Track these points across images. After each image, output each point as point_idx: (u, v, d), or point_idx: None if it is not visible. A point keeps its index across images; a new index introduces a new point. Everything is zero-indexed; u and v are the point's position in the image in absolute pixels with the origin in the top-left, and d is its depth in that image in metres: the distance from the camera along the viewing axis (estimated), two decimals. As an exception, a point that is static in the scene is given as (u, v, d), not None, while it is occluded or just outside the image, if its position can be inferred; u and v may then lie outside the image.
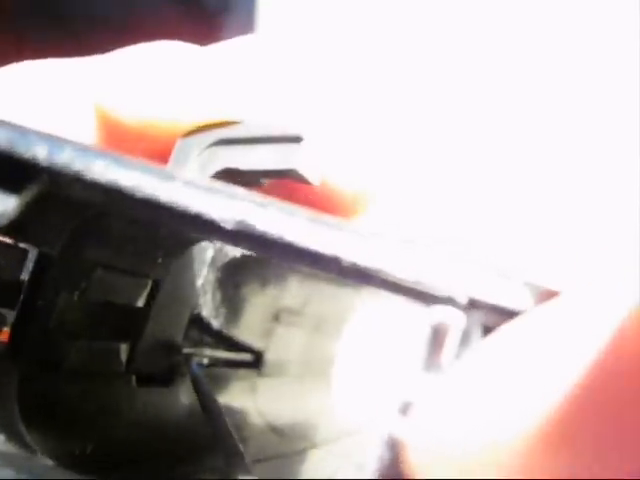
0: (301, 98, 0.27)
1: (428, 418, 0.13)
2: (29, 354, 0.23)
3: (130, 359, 0.26)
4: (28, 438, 0.21)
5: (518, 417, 0.12)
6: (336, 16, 0.82)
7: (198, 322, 0.28)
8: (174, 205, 0.17)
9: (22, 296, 0.23)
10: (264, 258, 0.27)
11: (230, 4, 1.10)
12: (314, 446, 0.25)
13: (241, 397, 0.29)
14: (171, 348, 0.28)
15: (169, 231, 0.24)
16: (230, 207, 0.17)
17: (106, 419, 0.25)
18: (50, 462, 0.21)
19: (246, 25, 0.96)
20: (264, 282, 0.30)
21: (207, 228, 0.17)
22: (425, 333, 0.15)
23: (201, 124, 0.24)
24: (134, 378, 0.27)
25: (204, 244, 0.27)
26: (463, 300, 0.15)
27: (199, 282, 0.28)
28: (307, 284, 0.32)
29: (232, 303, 0.29)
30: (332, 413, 0.33)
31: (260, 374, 0.31)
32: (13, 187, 0.17)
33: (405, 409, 0.15)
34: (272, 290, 0.31)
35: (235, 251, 0.27)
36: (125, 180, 0.17)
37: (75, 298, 0.24)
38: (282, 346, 0.32)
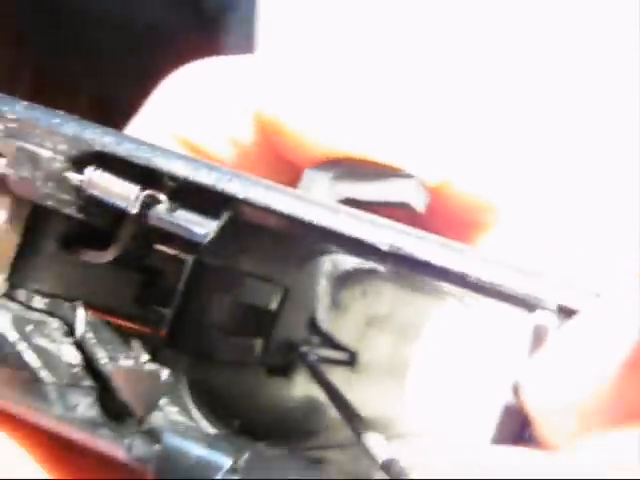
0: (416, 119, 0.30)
1: (543, 376, 0.19)
2: (186, 346, 0.27)
3: (263, 353, 0.31)
4: (194, 412, 0.26)
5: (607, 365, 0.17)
6: (336, 16, 0.82)
7: (312, 324, 0.33)
8: (342, 232, 0.22)
9: (179, 297, 0.27)
10: (367, 272, 0.32)
11: (230, 4, 1.10)
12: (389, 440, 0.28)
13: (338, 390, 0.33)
14: (292, 346, 0.33)
15: (301, 248, 0.29)
16: (385, 234, 0.21)
17: (245, 402, 0.30)
18: (211, 430, 0.25)
19: (246, 25, 0.96)
20: (363, 292, 0.36)
21: (366, 250, 0.22)
22: (528, 333, 0.20)
23: (333, 157, 0.27)
24: (265, 370, 0.32)
25: (324, 258, 0.32)
26: (554, 307, 0.20)
27: (318, 290, 0.33)
28: (396, 295, 0.37)
29: (337, 309, 0.35)
30: (409, 412, 0.37)
31: (354, 372, 0.36)
32: (209, 213, 0.22)
33: (516, 389, 0.20)
34: (368, 299, 0.36)
35: (345, 265, 0.33)
36: (303, 213, 0.22)
37: (226, 301, 0.29)
38: (372, 348, 0.37)
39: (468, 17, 0.77)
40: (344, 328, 0.35)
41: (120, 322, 0.26)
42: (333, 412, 0.31)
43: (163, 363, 0.25)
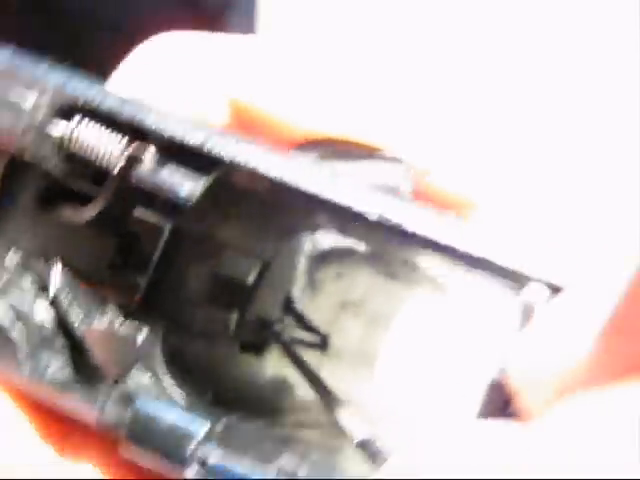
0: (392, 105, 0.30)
1: (524, 353, 0.19)
2: (160, 314, 0.27)
3: (237, 328, 0.30)
4: (167, 380, 0.25)
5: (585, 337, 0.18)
6: (337, 16, 0.82)
7: (287, 303, 0.32)
8: (331, 200, 0.21)
9: (155, 264, 0.26)
10: (343, 253, 0.31)
11: (230, 4, 1.10)
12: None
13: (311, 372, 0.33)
14: (265, 323, 0.32)
15: (283, 222, 0.28)
16: (376, 203, 0.21)
17: (218, 374, 0.29)
18: (183, 399, 0.24)
19: (246, 25, 0.96)
20: (339, 274, 0.35)
21: (355, 219, 0.21)
22: (516, 309, 0.21)
23: (313, 138, 0.26)
24: (238, 344, 0.31)
25: (304, 236, 0.31)
26: (544, 283, 0.21)
27: (296, 268, 0.32)
28: (371, 280, 0.36)
29: (312, 289, 0.34)
30: (382, 399, 0.37)
31: (324, 355, 0.35)
32: (197, 177, 0.21)
33: (506, 362, 0.20)
34: (343, 282, 0.35)
35: (323, 245, 0.32)
36: (290, 176, 0.21)
37: (202, 271, 0.28)
38: (344, 333, 0.37)
39: (463, 14, 0.77)
40: (318, 310, 0.35)
41: (94, 285, 0.25)
42: (302, 392, 0.30)
43: (136, 329, 0.25)
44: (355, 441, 0.25)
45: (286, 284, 0.33)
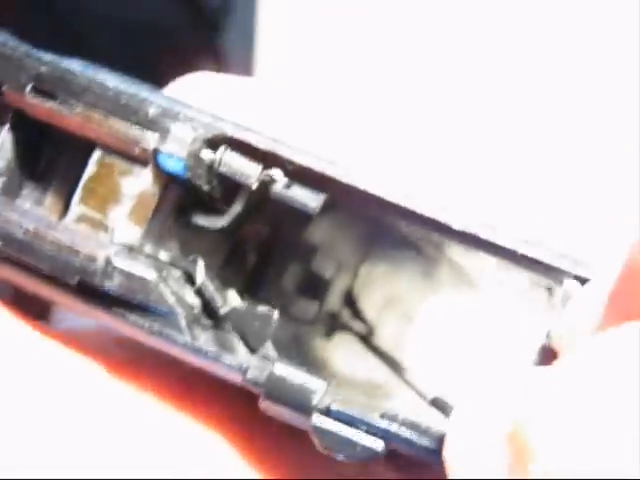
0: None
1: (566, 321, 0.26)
2: (265, 301, 0.33)
3: (317, 316, 0.37)
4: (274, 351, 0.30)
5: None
6: (336, 15, 0.82)
7: (348, 296, 0.39)
8: (421, 213, 0.27)
9: (256, 261, 0.33)
10: (394, 254, 0.38)
11: (230, 4, 1.10)
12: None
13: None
14: (334, 315, 0.38)
15: (359, 229, 0.35)
16: (455, 218, 0.27)
17: (305, 353, 0.35)
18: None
19: (246, 25, 0.96)
20: (388, 273, 0.41)
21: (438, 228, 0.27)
22: (555, 301, 0.27)
23: None
24: (317, 328, 0.37)
25: (369, 242, 0.37)
26: (574, 277, 0.26)
27: (360, 268, 0.38)
28: (412, 279, 0.42)
29: (368, 286, 0.40)
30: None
31: (370, 345, 0.41)
32: (317, 191, 0.28)
33: (542, 354, 0.26)
34: (390, 280, 0.41)
35: (381, 249, 0.38)
36: (390, 196, 0.27)
37: (294, 267, 0.35)
38: (384, 325, 0.42)
39: (463, 17, 0.78)
40: (369, 303, 0.40)
41: (221, 278, 0.31)
42: (364, 376, 0.37)
43: (271, 309, 0.31)
44: (428, 399, 0.30)
45: (350, 281, 0.38)
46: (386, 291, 0.42)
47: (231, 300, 0.31)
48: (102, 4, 1.05)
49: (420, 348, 0.43)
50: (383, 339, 0.43)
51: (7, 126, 0.29)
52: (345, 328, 0.39)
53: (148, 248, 0.30)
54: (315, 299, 0.37)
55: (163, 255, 0.30)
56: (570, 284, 0.27)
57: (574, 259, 0.27)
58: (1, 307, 0.29)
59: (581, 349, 0.22)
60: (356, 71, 0.81)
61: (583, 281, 0.27)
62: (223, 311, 0.30)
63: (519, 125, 0.76)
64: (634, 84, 0.72)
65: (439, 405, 0.30)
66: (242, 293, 0.33)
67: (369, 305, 0.41)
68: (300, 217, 0.29)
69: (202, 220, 0.30)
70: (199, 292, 0.30)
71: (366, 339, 0.42)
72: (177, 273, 0.30)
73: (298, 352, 0.34)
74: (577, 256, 0.27)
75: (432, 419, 0.29)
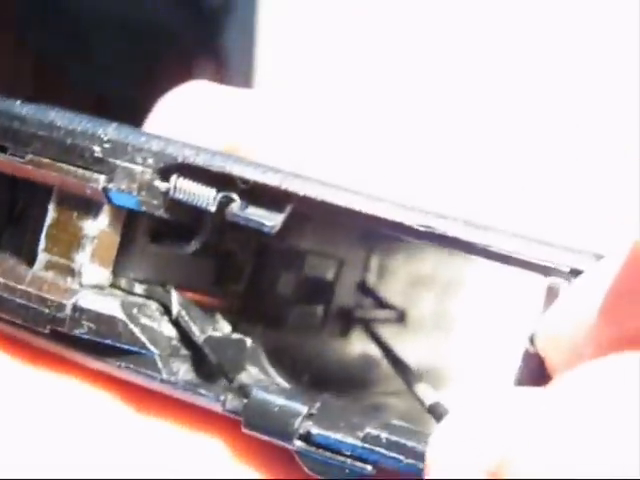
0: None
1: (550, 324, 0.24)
2: (258, 316, 0.33)
3: (324, 319, 0.37)
4: (270, 371, 0.30)
5: None
6: (336, 15, 0.82)
7: (363, 289, 0.39)
8: (385, 217, 0.26)
9: (249, 275, 0.33)
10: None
11: (230, 4, 1.10)
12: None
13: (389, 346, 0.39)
14: (347, 311, 0.38)
15: (352, 228, 0.34)
16: (420, 218, 0.26)
17: (311, 360, 0.36)
18: (286, 385, 0.30)
19: (246, 25, 0.96)
20: (408, 256, 0.41)
21: (405, 231, 0.26)
22: (542, 293, 0.25)
23: None
24: (328, 332, 0.37)
25: (372, 233, 0.36)
26: (566, 270, 0.25)
27: (368, 260, 0.39)
28: (435, 257, 0.42)
29: (384, 273, 0.40)
30: (451, 362, 0.44)
31: (402, 328, 0.41)
32: (276, 208, 0.27)
33: (526, 360, 0.25)
34: (411, 263, 0.42)
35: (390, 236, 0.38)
36: (353, 204, 0.26)
37: (289, 276, 0.35)
38: (417, 305, 0.43)
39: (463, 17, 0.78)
40: (392, 290, 0.41)
41: (203, 300, 0.31)
42: (385, 366, 0.37)
43: (242, 332, 0.31)
44: (426, 406, 0.29)
45: (361, 274, 0.39)
46: (411, 274, 0.42)
47: (215, 323, 0.31)
48: (102, 4, 1.05)
49: (463, 317, 0.45)
50: (420, 318, 0.44)
51: None
52: (363, 322, 0.39)
53: (122, 282, 0.29)
54: (318, 303, 0.37)
55: (138, 288, 0.30)
56: (555, 280, 0.26)
57: (561, 251, 0.26)
58: None
59: (576, 377, 0.20)
60: (356, 71, 0.81)
61: (573, 274, 0.25)
62: (200, 340, 0.29)
63: (519, 125, 0.76)
64: (634, 84, 0.72)
65: (437, 413, 0.30)
66: (235, 313, 0.32)
67: (392, 292, 0.41)
68: (285, 226, 0.28)
69: (174, 247, 0.30)
70: (176, 322, 0.29)
71: (398, 323, 0.42)
72: (153, 305, 0.30)
73: (301, 363, 0.34)
74: (565, 247, 0.26)
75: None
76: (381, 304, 0.41)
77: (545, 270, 0.26)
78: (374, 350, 0.39)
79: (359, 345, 0.40)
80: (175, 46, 1.10)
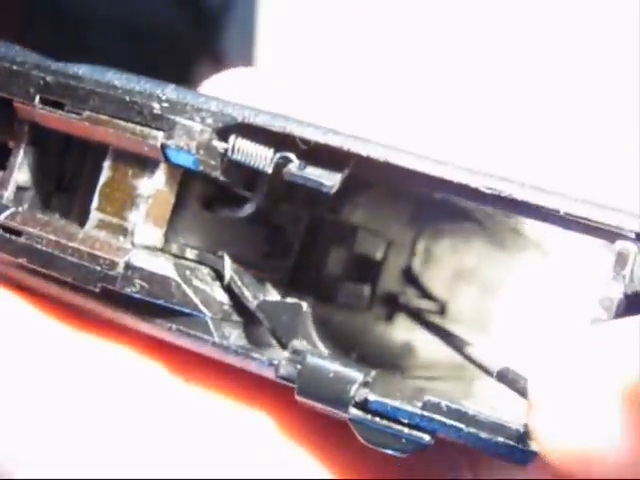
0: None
1: None
2: (308, 291, 0.32)
3: (370, 300, 0.36)
4: (319, 345, 0.30)
5: None
6: (336, 15, 0.82)
7: (409, 276, 0.39)
8: (456, 180, 0.25)
9: (298, 249, 0.33)
10: (456, 227, 0.37)
11: (230, 4, 1.10)
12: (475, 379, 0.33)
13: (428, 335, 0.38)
14: (392, 296, 0.38)
15: (404, 204, 0.33)
16: (488, 180, 0.25)
17: (358, 339, 0.35)
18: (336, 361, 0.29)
19: (246, 25, 0.96)
20: (453, 247, 0.40)
21: (472, 194, 0.25)
22: (611, 259, 0.24)
23: None
24: (373, 313, 0.37)
25: (422, 216, 0.36)
26: (632, 235, 0.24)
27: (416, 244, 0.38)
28: (482, 250, 0.42)
29: (430, 261, 0.39)
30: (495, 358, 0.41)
31: (442, 320, 0.40)
32: (334, 168, 0.26)
33: (607, 305, 0.24)
34: (457, 253, 0.41)
35: (439, 221, 0.37)
36: (419, 165, 0.26)
37: (338, 251, 0.34)
38: (460, 299, 0.42)
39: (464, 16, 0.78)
40: (435, 280, 0.40)
41: (253, 270, 0.30)
42: (427, 353, 0.36)
43: (293, 303, 0.30)
44: (495, 372, 0.28)
45: (408, 258, 0.38)
46: (455, 265, 0.42)
47: (267, 292, 0.30)
48: (102, 4, 1.05)
49: (502, 317, 0.44)
50: (459, 313, 0.43)
51: (25, 140, 0.29)
52: (408, 309, 0.38)
53: (173, 247, 0.29)
54: (366, 283, 0.36)
55: (190, 253, 0.30)
56: (625, 245, 0.25)
57: (628, 215, 0.25)
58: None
59: None
60: (356, 71, 0.81)
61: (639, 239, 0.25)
62: (253, 306, 0.29)
63: (518, 125, 0.76)
64: (634, 84, 0.72)
65: (507, 378, 0.29)
66: (285, 283, 0.32)
67: (436, 282, 0.40)
68: (338, 198, 0.28)
69: (227, 211, 0.30)
70: (228, 288, 0.29)
71: (437, 316, 0.41)
72: (205, 270, 0.29)
73: (347, 341, 0.33)
74: (630, 212, 0.25)
75: (506, 400, 0.27)
76: (424, 294, 0.40)
77: (613, 235, 0.25)
78: (416, 337, 0.38)
79: (401, 332, 0.39)
80: (175, 46, 1.10)
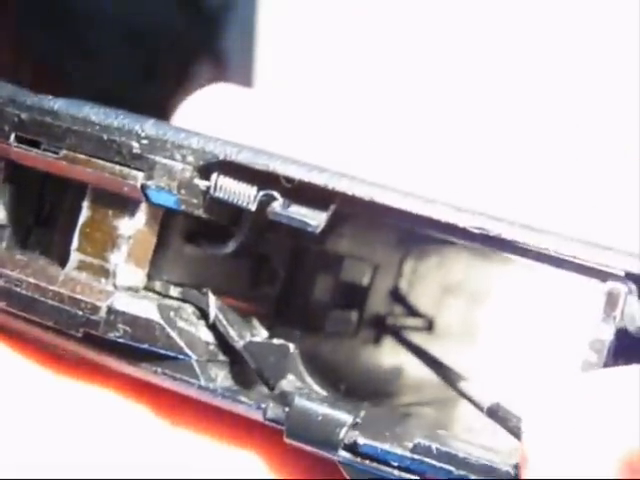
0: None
1: None
2: (295, 321, 0.32)
3: (357, 325, 0.36)
4: (307, 379, 0.29)
5: None
6: (336, 15, 0.82)
7: (395, 296, 0.38)
8: (439, 219, 0.25)
9: (284, 278, 0.32)
10: (443, 243, 0.35)
11: (230, 4, 1.10)
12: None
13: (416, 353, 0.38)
14: (380, 318, 0.37)
15: (389, 230, 0.33)
16: (476, 219, 0.25)
17: (346, 368, 0.35)
18: (323, 393, 0.29)
19: (246, 25, 0.96)
20: (440, 263, 0.40)
21: (458, 233, 0.25)
22: (600, 299, 0.24)
23: None
24: (361, 338, 0.36)
25: (408, 237, 0.36)
26: (622, 273, 0.24)
27: (402, 265, 0.38)
28: (468, 263, 0.41)
29: (416, 280, 0.39)
30: (481, 373, 0.41)
31: (431, 336, 0.40)
32: (319, 207, 0.26)
33: (598, 348, 0.23)
34: (443, 269, 0.41)
35: (423, 240, 0.36)
36: (405, 205, 0.25)
37: (324, 279, 0.34)
38: (447, 313, 0.41)
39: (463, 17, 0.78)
40: (422, 296, 0.40)
41: (239, 304, 0.30)
42: (417, 374, 0.36)
43: (279, 337, 0.30)
44: (484, 408, 0.28)
45: (394, 280, 0.38)
46: (442, 281, 0.41)
47: (253, 328, 0.30)
48: (102, 4, 1.05)
49: (491, 329, 0.44)
50: (447, 327, 0.42)
51: (1, 178, 0.28)
52: (396, 330, 0.38)
53: (157, 285, 0.29)
54: (353, 308, 0.36)
55: (174, 291, 0.29)
56: (614, 285, 0.24)
57: (616, 254, 0.25)
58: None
59: None
60: (356, 71, 0.81)
61: (630, 278, 0.24)
62: (239, 346, 0.28)
63: (519, 126, 0.76)
64: (634, 84, 0.72)
65: (497, 415, 0.28)
66: (271, 317, 0.31)
67: (424, 299, 0.40)
68: (324, 230, 0.28)
69: (211, 248, 0.29)
70: (213, 327, 0.29)
71: (427, 331, 0.41)
72: (189, 309, 0.29)
73: (336, 371, 0.33)
74: (619, 251, 0.25)
75: (486, 434, 0.27)
76: (411, 311, 0.40)
77: (603, 275, 0.24)
78: (404, 359, 0.38)
79: (390, 354, 0.39)
80: (175, 46, 1.10)
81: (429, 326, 0.41)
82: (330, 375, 0.31)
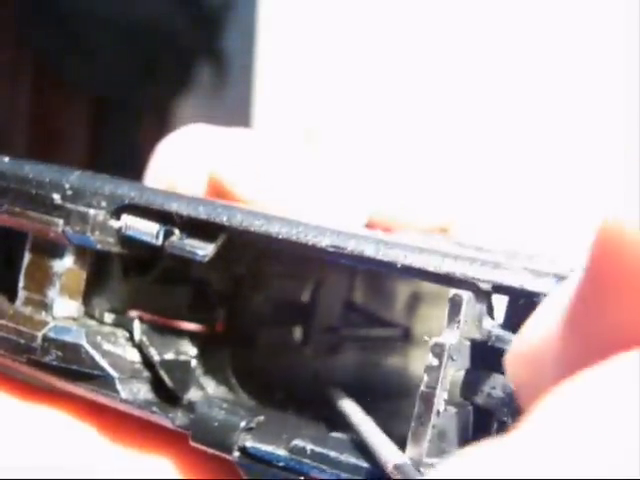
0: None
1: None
2: (232, 339, 0.35)
3: (303, 337, 0.38)
4: (235, 385, 0.33)
5: None
6: (336, 15, 0.82)
7: (352, 307, 0.40)
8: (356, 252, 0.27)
9: (226, 300, 0.35)
10: None
11: (230, 4, 1.10)
12: None
13: (394, 363, 0.41)
14: (331, 329, 0.39)
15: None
16: (333, 239, 0.27)
17: (288, 378, 0.37)
18: (252, 402, 0.33)
19: (246, 25, 0.96)
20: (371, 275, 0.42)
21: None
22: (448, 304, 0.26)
23: None
24: (307, 351, 0.38)
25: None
26: (485, 285, 0.25)
27: (353, 277, 0.40)
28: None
29: (381, 291, 0.41)
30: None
31: (409, 345, 0.42)
32: (209, 238, 0.29)
33: (438, 352, 0.25)
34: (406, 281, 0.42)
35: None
36: (286, 232, 0.28)
37: (263, 299, 0.36)
38: (423, 321, 0.43)
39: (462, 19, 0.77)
40: (392, 307, 0.42)
41: (177, 324, 0.34)
42: (354, 386, 0.37)
43: (211, 353, 0.33)
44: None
45: (345, 292, 0.40)
46: (411, 290, 0.43)
47: (179, 348, 0.34)
48: (102, 4, 1.05)
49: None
50: (425, 333, 0.42)
51: None
52: (348, 340, 0.40)
53: (96, 313, 0.33)
54: (296, 324, 0.39)
55: (108, 318, 0.33)
56: (458, 291, 0.26)
57: (464, 262, 0.26)
58: None
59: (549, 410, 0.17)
60: (356, 71, 0.81)
61: (495, 289, 0.25)
62: (157, 364, 0.32)
63: (519, 126, 0.76)
64: (634, 84, 0.72)
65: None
66: (208, 336, 0.35)
67: (394, 309, 0.42)
68: (261, 250, 0.31)
69: (137, 278, 0.33)
70: (139, 347, 0.33)
71: (403, 340, 0.42)
72: (120, 333, 0.33)
73: (283, 381, 0.36)
74: (468, 259, 0.26)
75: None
76: (381, 322, 0.42)
77: (448, 281, 0.26)
78: (344, 370, 0.41)
79: (330, 363, 0.41)
80: (175, 46, 1.10)
81: (406, 335, 0.43)
82: (266, 386, 0.34)
